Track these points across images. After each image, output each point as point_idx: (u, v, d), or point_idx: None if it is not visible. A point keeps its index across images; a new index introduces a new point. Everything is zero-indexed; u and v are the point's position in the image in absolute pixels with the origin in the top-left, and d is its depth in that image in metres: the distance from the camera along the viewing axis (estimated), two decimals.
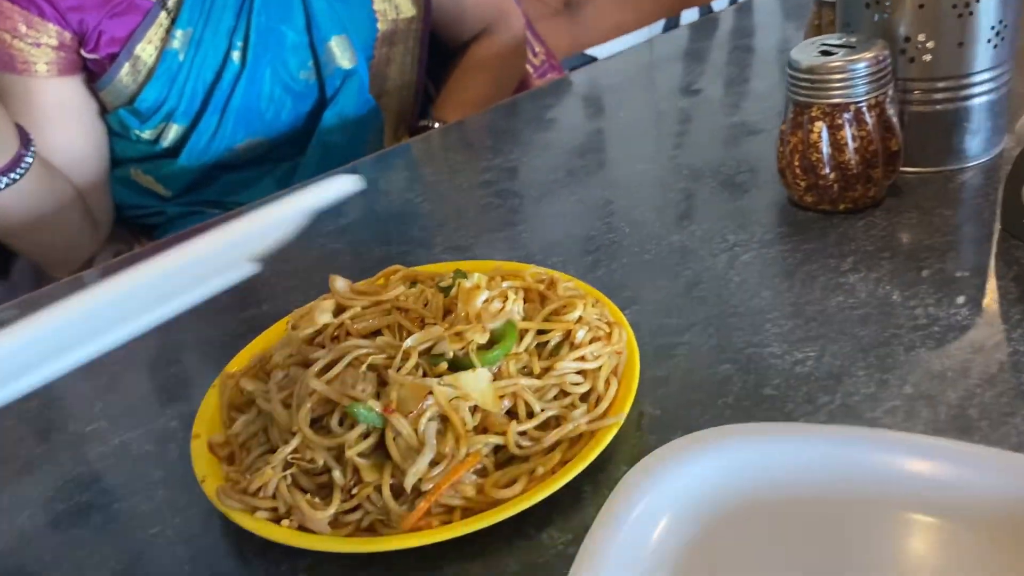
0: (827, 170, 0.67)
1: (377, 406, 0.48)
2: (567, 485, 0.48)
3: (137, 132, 1.01)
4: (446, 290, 0.57)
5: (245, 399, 0.57)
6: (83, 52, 0.95)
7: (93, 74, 0.98)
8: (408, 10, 1.11)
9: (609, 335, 0.54)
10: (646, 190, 0.79)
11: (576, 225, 0.76)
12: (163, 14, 0.96)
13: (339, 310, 0.58)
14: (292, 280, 0.74)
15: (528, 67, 1.41)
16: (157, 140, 1.02)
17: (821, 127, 0.66)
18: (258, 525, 0.47)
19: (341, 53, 1.05)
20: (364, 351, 0.52)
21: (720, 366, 0.56)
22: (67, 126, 0.99)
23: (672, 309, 0.62)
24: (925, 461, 0.41)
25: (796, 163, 0.68)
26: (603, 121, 0.99)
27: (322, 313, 0.57)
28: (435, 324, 0.53)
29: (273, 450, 0.51)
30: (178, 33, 0.96)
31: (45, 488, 0.56)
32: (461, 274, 0.58)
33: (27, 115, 0.96)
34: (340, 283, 0.60)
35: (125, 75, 0.98)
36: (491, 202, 0.83)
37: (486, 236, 0.77)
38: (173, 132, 1.01)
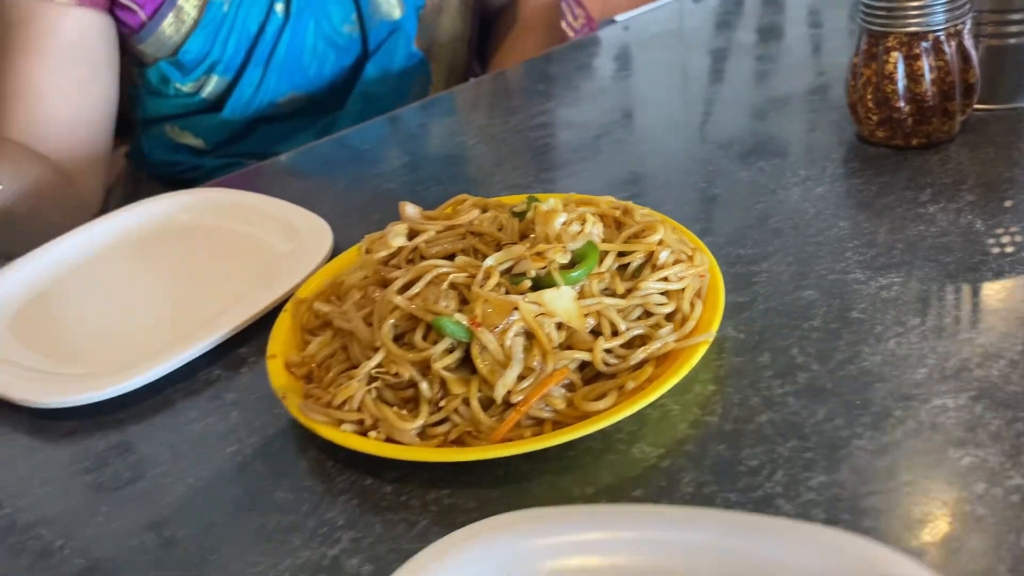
0: (902, 103, 0.65)
1: (464, 320, 0.47)
2: (654, 403, 0.47)
3: (178, 85, 1.00)
4: (520, 215, 0.56)
5: (319, 322, 0.56)
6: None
7: (129, 28, 0.96)
8: None
9: (691, 257, 0.53)
10: (709, 128, 0.78)
11: (638, 163, 0.74)
12: None
13: (411, 235, 0.57)
14: (350, 217, 0.73)
15: (569, 30, 1.39)
16: (196, 92, 1.01)
17: (897, 58, 0.64)
18: (345, 437, 0.46)
19: (388, 3, 1.03)
20: (445, 270, 0.51)
21: (803, 292, 0.54)
22: (79, 68, 0.93)
23: (747, 240, 0.60)
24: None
25: (869, 96, 0.67)
26: (659, 64, 0.98)
27: (396, 237, 0.56)
28: (515, 244, 0.52)
29: (353, 368, 0.50)
30: None
31: (117, 412, 0.56)
32: (535, 199, 0.57)
33: (37, 51, 0.90)
34: (411, 209, 0.59)
35: (168, 26, 0.96)
36: (547, 143, 0.81)
37: (545, 175, 0.76)
38: (213, 84, 1.00)
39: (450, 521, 0.44)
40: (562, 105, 0.89)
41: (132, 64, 1.05)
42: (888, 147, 0.68)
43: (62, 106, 0.92)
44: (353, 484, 0.47)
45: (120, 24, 0.96)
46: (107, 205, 1.15)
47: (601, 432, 0.46)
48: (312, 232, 0.68)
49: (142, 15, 0.95)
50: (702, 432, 0.46)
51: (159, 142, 1.07)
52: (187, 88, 1.01)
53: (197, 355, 0.57)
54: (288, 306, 0.58)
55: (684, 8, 1.15)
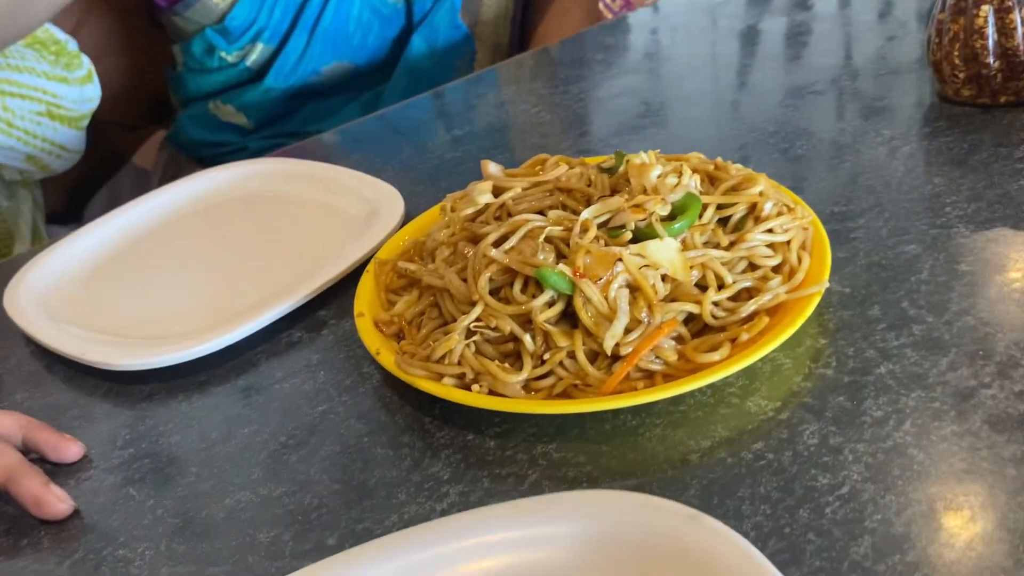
0: (991, 58, 0.63)
1: (567, 271, 0.46)
2: (765, 357, 0.45)
3: (223, 54, 0.98)
4: (610, 171, 0.54)
5: (403, 282, 0.55)
6: None
7: None
8: None
9: (792, 210, 0.51)
10: (784, 93, 0.76)
11: (715, 127, 0.73)
12: None
13: (496, 193, 0.56)
14: (417, 186, 0.72)
15: (607, 12, 1.37)
16: (241, 61, 0.99)
17: (988, 11, 0.62)
18: (448, 391, 0.45)
19: None
20: (539, 223, 0.49)
21: (905, 246, 0.53)
22: None
23: (839, 198, 0.59)
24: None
25: (955, 52, 0.65)
26: (723, 32, 0.96)
27: (481, 194, 0.55)
28: (611, 196, 0.51)
29: (447, 324, 0.49)
30: None
31: (198, 374, 0.54)
32: (623, 154, 0.55)
33: None
34: (493, 167, 0.58)
35: None
36: (617, 108, 0.80)
37: (618, 139, 0.74)
38: (258, 52, 0.99)
39: (561, 475, 0.42)
40: (623, 74, 0.87)
41: (174, 39, 1.04)
42: (974, 106, 0.66)
43: None
44: (454, 439, 0.45)
45: None
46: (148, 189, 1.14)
47: (711, 386, 0.45)
48: (383, 198, 0.66)
49: None
50: (819, 384, 0.44)
51: (202, 121, 1.06)
52: (232, 57, 1.00)
53: (277, 317, 0.56)
54: (370, 267, 0.57)
55: None
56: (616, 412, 0.44)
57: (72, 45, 0.91)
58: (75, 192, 1.22)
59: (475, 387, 0.45)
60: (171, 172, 1.15)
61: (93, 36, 1.13)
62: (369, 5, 1.02)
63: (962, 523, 0.36)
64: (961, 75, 0.65)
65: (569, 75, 0.91)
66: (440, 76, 1.06)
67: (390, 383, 0.50)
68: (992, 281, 0.49)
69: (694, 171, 0.54)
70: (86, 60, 0.92)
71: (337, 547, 0.41)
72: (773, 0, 0.98)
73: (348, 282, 0.58)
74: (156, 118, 1.25)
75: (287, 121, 1.06)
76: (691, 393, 0.44)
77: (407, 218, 0.64)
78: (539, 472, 0.42)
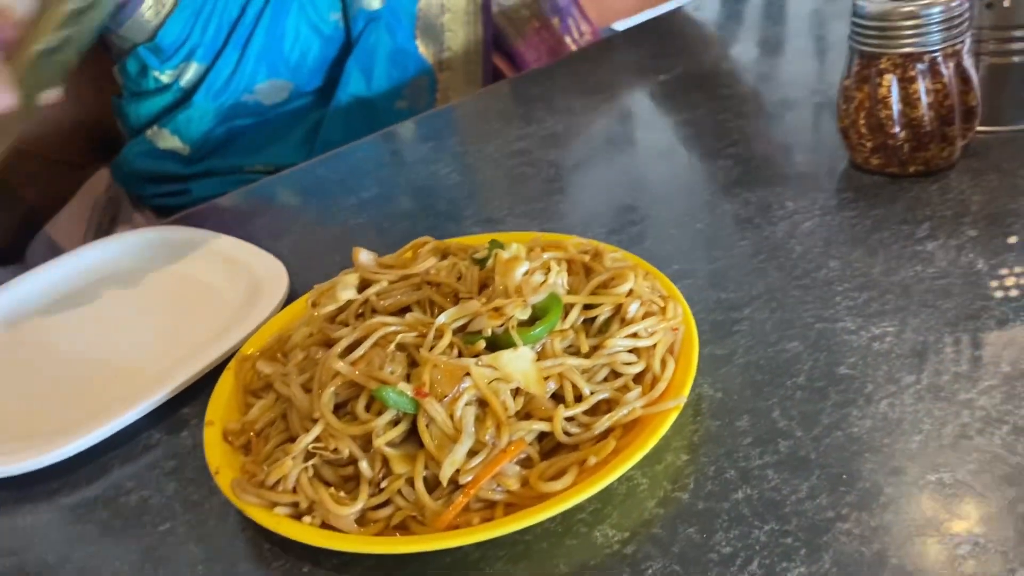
0: (897, 128, 0.61)
1: (408, 389, 0.43)
2: (621, 477, 0.43)
3: (156, 74, 0.95)
4: (481, 262, 0.52)
5: (262, 383, 0.52)
6: None
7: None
8: None
9: (664, 309, 0.49)
10: (693, 157, 0.73)
11: (617, 195, 0.70)
12: None
13: (364, 285, 0.53)
14: (311, 259, 0.69)
15: (573, 46, 1.34)
16: (175, 81, 0.95)
17: (891, 80, 0.60)
18: (278, 522, 0.42)
19: None
20: (393, 329, 0.47)
21: (787, 343, 0.50)
22: None
23: (729, 282, 0.56)
24: None
25: (861, 121, 0.62)
26: (642, 87, 0.93)
27: (345, 288, 0.52)
28: (471, 299, 0.48)
29: (293, 439, 0.46)
30: None
31: (50, 482, 0.51)
32: (497, 244, 0.52)
33: None
34: (365, 255, 0.55)
35: (147, 9, 0.91)
36: (524, 172, 0.77)
37: (520, 208, 0.71)
38: (192, 71, 0.95)
39: None
40: (543, 130, 0.84)
41: (115, 59, 1.00)
42: (883, 175, 0.64)
43: None
44: (289, 571, 0.42)
45: None
46: (85, 235, 1.10)
47: (561, 513, 0.42)
48: (268, 277, 0.64)
49: None
50: (672, 511, 0.41)
51: (143, 150, 1.01)
52: (166, 77, 0.95)
53: (132, 420, 0.53)
54: (231, 364, 0.54)
55: (675, 35, 1.10)
56: (457, 547, 0.42)
57: None
58: (17, 232, 1.19)
59: (307, 518, 0.42)
60: (109, 214, 1.12)
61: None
62: (307, 20, 0.97)
63: None
64: (868, 144, 0.63)
65: (499, 126, 0.88)
66: (383, 109, 1.02)
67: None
68: (868, 389, 0.46)
69: (570, 262, 0.52)
70: None
71: None
72: (698, 55, 0.95)
73: (218, 373, 0.55)
74: (104, 155, 1.22)
75: (226, 150, 1.01)
76: (537, 524, 0.42)
77: (294, 295, 0.61)
78: None
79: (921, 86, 0.59)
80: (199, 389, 0.56)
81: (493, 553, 0.41)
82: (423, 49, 1.03)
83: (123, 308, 0.67)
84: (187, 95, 0.96)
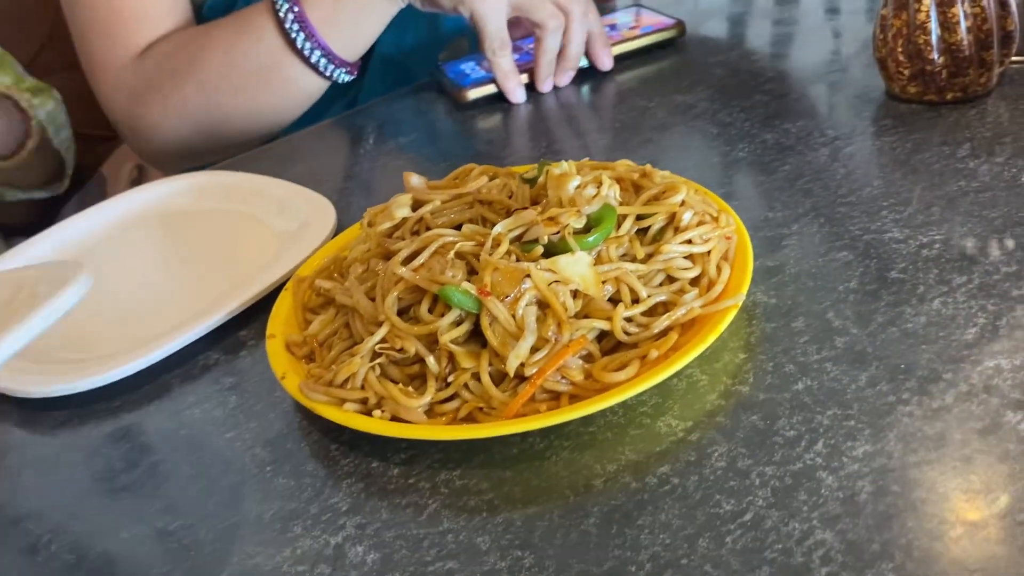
0: (935, 54, 0.61)
1: (472, 289, 0.44)
2: (680, 373, 0.44)
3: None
4: (531, 181, 0.53)
5: (321, 301, 0.53)
6: None
7: None
8: None
9: (716, 219, 0.49)
10: (731, 91, 0.74)
11: (656, 128, 0.71)
12: None
13: (416, 206, 0.54)
14: (353, 196, 0.70)
15: None
16: None
17: (929, 5, 0.60)
18: (348, 417, 0.43)
19: None
20: (450, 239, 0.48)
21: (837, 253, 0.51)
22: None
23: (775, 202, 0.57)
24: None
25: (899, 49, 0.63)
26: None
27: (399, 208, 0.53)
28: (525, 209, 0.49)
29: (356, 344, 0.47)
30: None
31: (113, 399, 0.53)
32: (546, 163, 0.53)
33: None
34: (415, 179, 0.56)
35: None
36: (560, 111, 0.78)
37: (560, 144, 0.72)
38: None
39: (462, 504, 0.40)
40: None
41: None
42: (921, 103, 0.64)
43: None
44: (358, 467, 0.43)
45: None
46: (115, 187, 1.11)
47: (623, 405, 0.43)
48: (315, 211, 0.65)
49: None
50: (733, 402, 0.42)
51: None
52: None
53: (193, 339, 0.54)
54: (289, 285, 0.55)
55: None
56: (524, 435, 0.43)
57: None
58: (44, 204, 1.20)
59: (377, 412, 0.43)
60: (137, 183, 1.13)
61: (59, 48, 1.11)
62: None
63: (867, 554, 0.34)
64: (906, 72, 0.63)
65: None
66: (419, 70, 1.01)
67: (300, 408, 0.48)
68: (920, 290, 0.47)
69: (619, 180, 0.53)
70: None
71: None
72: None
73: (271, 301, 0.56)
74: None
75: None
76: (601, 413, 0.43)
77: (341, 228, 0.62)
78: (439, 500, 0.41)
79: (960, 10, 0.60)
80: (253, 315, 0.57)
81: (559, 443, 0.42)
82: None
83: (177, 243, 0.69)
84: None
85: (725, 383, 0.44)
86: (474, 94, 0.81)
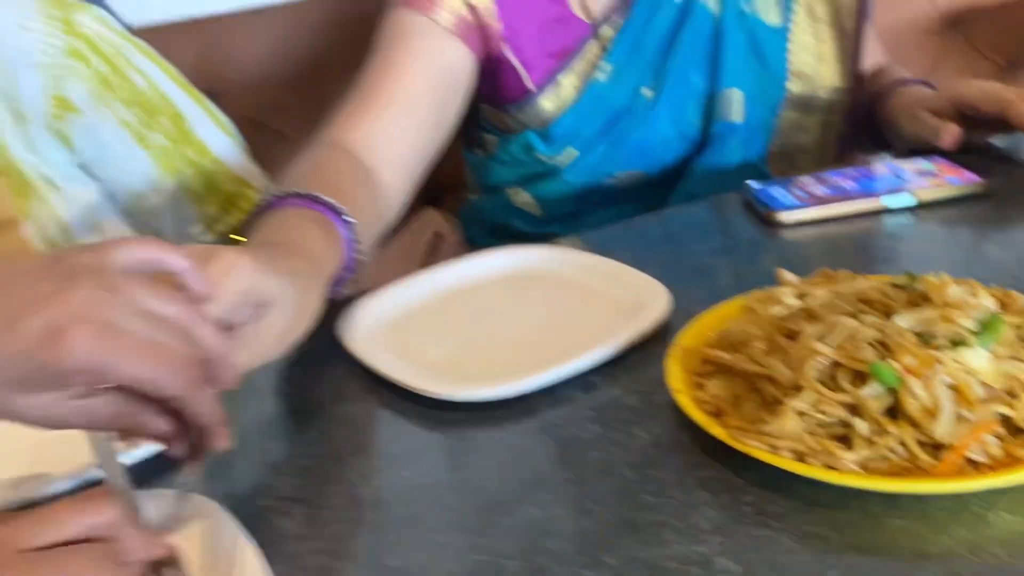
0: None
1: (896, 366, 0.52)
2: None
3: (539, 154, 1.02)
4: (901, 288, 0.61)
5: (710, 368, 0.62)
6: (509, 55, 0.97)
7: (510, 93, 1.00)
8: (831, 79, 1.06)
9: None
10: None
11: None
12: (594, 44, 0.99)
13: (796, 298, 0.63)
14: (677, 284, 0.78)
15: None
16: (551, 162, 1.03)
17: None
18: (782, 462, 0.51)
19: (733, 107, 1.03)
20: (857, 325, 0.56)
21: None
22: (436, 94, 0.93)
23: None
24: None
25: None
26: None
27: (787, 297, 0.62)
28: (919, 308, 0.57)
29: (768, 404, 0.55)
30: (607, 67, 0.99)
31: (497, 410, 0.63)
32: (912, 275, 0.61)
33: (404, 63, 0.92)
34: (790, 275, 0.65)
35: (546, 100, 0.99)
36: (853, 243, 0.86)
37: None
38: (567, 155, 1.02)
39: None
40: None
41: (489, 129, 1.07)
42: None
43: (405, 124, 0.91)
44: (758, 506, 0.51)
45: (500, 88, 1.00)
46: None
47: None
48: (648, 289, 0.74)
49: (529, 84, 0.99)
50: None
51: (499, 204, 1.09)
52: (547, 159, 1.02)
53: (590, 366, 0.65)
54: (672, 352, 0.63)
55: None
56: (864, 498, 0.50)
57: None
58: None
59: (811, 459, 0.51)
60: (433, 252, 1.21)
61: None
62: (676, 126, 1.04)
63: None
64: None
65: None
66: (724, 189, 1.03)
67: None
68: None
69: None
70: None
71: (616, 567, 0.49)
72: None
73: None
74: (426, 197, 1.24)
75: (574, 220, 1.07)
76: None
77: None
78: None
79: None
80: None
81: (994, 499, 0.49)
82: (774, 171, 1.07)
83: (529, 300, 0.79)
84: (556, 171, 1.04)
85: None
86: (786, 217, 0.87)
